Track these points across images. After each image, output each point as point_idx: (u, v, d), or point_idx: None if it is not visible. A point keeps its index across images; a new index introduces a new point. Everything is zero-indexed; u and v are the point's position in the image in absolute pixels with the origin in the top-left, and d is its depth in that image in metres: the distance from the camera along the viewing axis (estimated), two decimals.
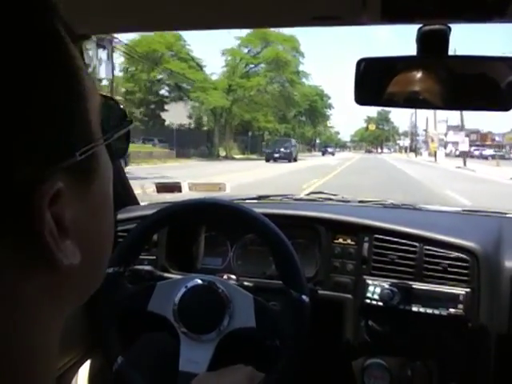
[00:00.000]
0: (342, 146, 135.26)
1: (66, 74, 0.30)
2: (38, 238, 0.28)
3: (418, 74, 0.95)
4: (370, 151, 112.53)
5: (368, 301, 1.31)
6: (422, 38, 0.84)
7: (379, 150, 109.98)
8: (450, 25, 0.83)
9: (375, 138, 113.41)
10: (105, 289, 0.88)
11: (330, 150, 66.38)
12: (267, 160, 29.99)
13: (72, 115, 0.30)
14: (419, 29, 0.84)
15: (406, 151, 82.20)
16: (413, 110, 55.32)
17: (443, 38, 0.83)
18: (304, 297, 1.00)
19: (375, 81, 0.98)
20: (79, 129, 0.30)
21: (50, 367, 0.32)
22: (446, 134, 52.45)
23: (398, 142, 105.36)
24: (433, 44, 0.84)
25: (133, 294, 1.09)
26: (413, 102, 0.99)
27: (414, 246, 1.31)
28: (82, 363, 1.39)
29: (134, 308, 1.09)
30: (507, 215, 1.65)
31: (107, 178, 0.35)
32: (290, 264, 1.02)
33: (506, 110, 0.99)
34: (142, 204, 1.73)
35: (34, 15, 0.27)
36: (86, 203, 0.32)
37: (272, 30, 31.16)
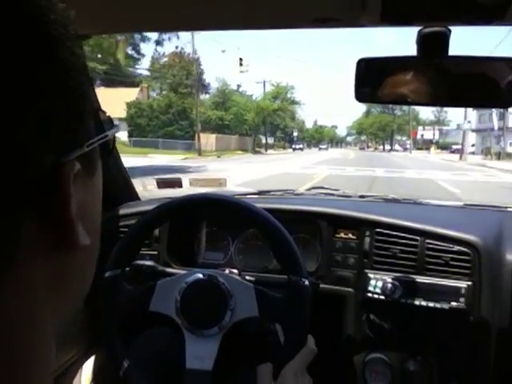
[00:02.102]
0: (340, 141, 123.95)
1: (79, 78, 0.32)
2: (63, 218, 0.30)
3: (418, 74, 0.96)
4: (363, 148, 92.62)
5: (370, 294, 1.33)
6: (421, 40, 0.84)
7: (386, 147, 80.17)
8: (450, 27, 0.83)
9: (381, 128, 76.80)
10: (104, 294, 0.88)
11: (298, 146, 64.40)
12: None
13: (81, 113, 0.33)
14: (419, 31, 0.83)
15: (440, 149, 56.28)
16: None
17: (443, 40, 0.83)
18: (304, 280, 1.01)
19: (375, 79, 0.98)
20: (86, 125, 0.34)
21: (48, 359, 0.33)
22: None
23: (421, 133, 70.17)
24: (433, 46, 0.84)
25: (133, 296, 1.09)
26: (412, 99, 0.99)
27: (416, 240, 1.31)
28: (85, 360, 1.41)
29: (136, 310, 1.10)
30: (508, 209, 1.66)
31: (101, 173, 0.38)
32: (288, 250, 1.03)
33: (506, 106, 0.99)
34: (142, 200, 1.74)
35: (43, 25, 0.29)
36: (89, 192, 0.35)
37: None
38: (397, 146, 76.70)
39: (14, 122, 0.26)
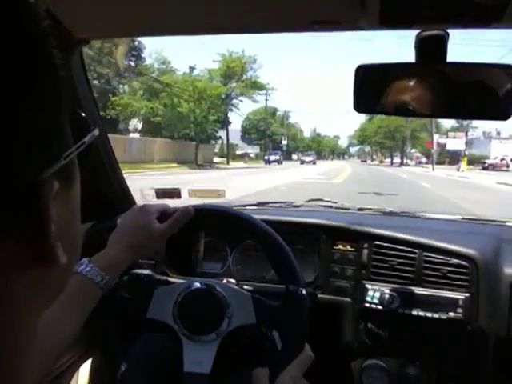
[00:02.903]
0: (342, 153, 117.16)
1: (53, 90, 0.31)
2: (42, 237, 0.29)
3: (417, 81, 0.96)
4: (364, 161, 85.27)
5: (367, 304, 1.32)
6: (420, 44, 0.84)
7: (395, 160, 65.68)
8: (448, 30, 0.84)
9: (389, 136, 60.46)
10: (102, 302, 0.88)
11: (273, 157, 46.09)
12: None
13: (58, 125, 0.32)
14: (417, 34, 0.84)
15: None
16: None
17: (441, 43, 0.84)
18: (301, 289, 1.01)
19: (374, 88, 0.99)
20: (62, 136, 0.32)
21: (28, 365, 0.33)
22: None
23: (442, 142, 50.58)
24: (431, 49, 0.85)
25: (131, 304, 1.08)
26: (412, 111, 0.99)
27: (414, 253, 1.31)
28: (82, 362, 1.39)
29: (133, 317, 1.09)
30: (506, 223, 1.66)
31: (78, 186, 0.36)
32: (285, 260, 1.03)
33: (505, 119, 0.99)
34: None
35: (26, 40, 0.28)
36: (67, 207, 0.34)
37: None
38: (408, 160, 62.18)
39: None
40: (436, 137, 51.43)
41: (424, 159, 60.65)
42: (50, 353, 0.75)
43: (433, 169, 37.83)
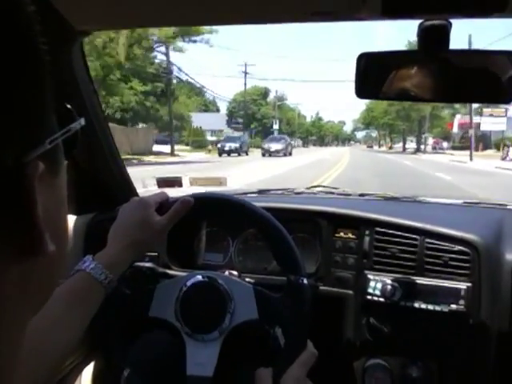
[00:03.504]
0: (347, 139, 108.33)
1: (36, 76, 0.31)
2: (29, 220, 0.29)
3: (420, 68, 0.96)
4: (371, 146, 78.09)
5: (369, 297, 1.32)
6: (422, 34, 0.84)
7: (407, 145, 54.73)
8: (451, 20, 0.83)
9: (403, 115, 47.55)
10: (103, 301, 0.87)
11: (230, 145, 31.09)
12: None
13: (42, 109, 0.31)
14: (420, 24, 0.84)
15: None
16: None
17: (444, 32, 0.83)
18: (303, 279, 1.00)
19: (376, 75, 0.98)
20: (46, 121, 0.32)
21: (16, 366, 0.33)
22: None
23: (474, 122, 30.93)
24: (434, 39, 0.84)
25: (132, 302, 1.07)
26: (414, 95, 0.99)
27: (415, 239, 1.31)
28: (85, 365, 1.40)
29: (135, 316, 1.09)
30: (508, 207, 1.65)
31: (65, 173, 0.36)
32: (286, 249, 1.02)
33: (507, 102, 0.99)
34: None
35: (9, 26, 0.28)
36: (54, 194, 0.33)
37: None
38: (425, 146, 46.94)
39: None
40: (458, 116, 44.56)
41: (445, 144, 47.65)
42: (54, 354, 0.74)
43: (470, 158, 25.44)
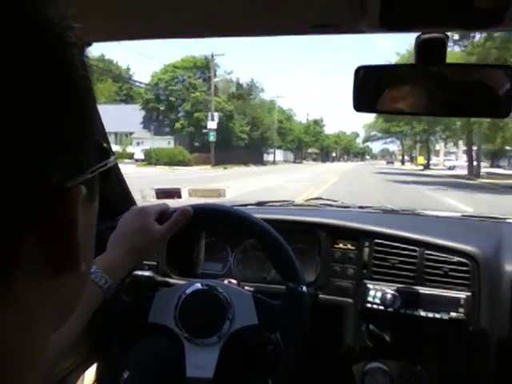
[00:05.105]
0: (361, 153, 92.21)
1: (88, 109, 0.34)
2: (70, 242, 0.30)
3: (417, 82, 0.97)
4: (391, 162, 56.42)
5: (369, 305, 1.32)
6: (419, 47, 0.85)
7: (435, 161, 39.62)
8: (448, 33, 0.84)
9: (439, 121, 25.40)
10: (102, 306, 0.88)
11: None
12: None
13: (86, 138, 0.34)
14: (417, 37, 0.85)
15: None
16: None
17: (441, 46, 0.84)
18: (302, 286, 1.02)
19: (374, 88, 1.00)
20: (89, 153, 0.35)
21: (40, 371, 0.34)
22: None
23: None
24: (431, 52, 0.85)
25: (132, 308, 1.08)
26: (411, 109, 1.00)
27: (415, 251, 1.32)
28: (86, 367, 1.39)
29: (135, 322, 1.09)
30: (506, 220, 1.66)
31: (97, 201, 0.39)
32: (285, 259, 1.04)
33: (504, 116, 1.00)
34: None
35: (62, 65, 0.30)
36: (88, 218, 0.36)
37: None
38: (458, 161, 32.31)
39: (21, 128, 0.27)
40: None
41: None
42: (51, 348, 0.75)
43: None
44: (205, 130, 33.77)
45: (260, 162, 45.68)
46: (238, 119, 40.58)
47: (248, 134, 41.80)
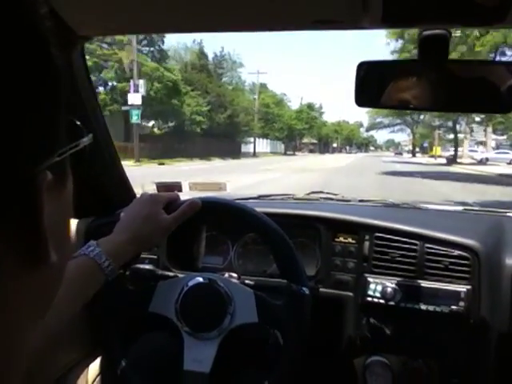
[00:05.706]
0: (365, 143, 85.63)
1: (55, 88, 0.32)
2: (35, 229, 0.29)
3: (419, 77, 0.96)
4: (399, 153, 50.28)
5: (369, 298, 1.33)
6: (422, 43, 0.84)
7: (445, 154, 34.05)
8: (450, 29, 0.84)
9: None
10: (104, 292, 0.88)
11: None
12: None
13: (56, 121, 0.32)
14: (419, 33, 0.84)
15: None
16: None
17: (443, 42, 0.84)
18: (304, 289, 1.01)
19: (376, 84, 0.99)
20: (58, 135, 0.33)
21: (22, 365, 0.33)
22: None
23: None
24: (433, 48, 0.85)
25: (133, 296, 1.09)
26: (413, 104, 1.00)
27: (415, 245, 1.32)
28: (88, 362, 1.40)
29: (136, 310, 1.10)
30: (507, 214, 1.66)
31: (71, 186, 0.36)
32: (288, 258, 1.03)
33: (506, 112, 1.00)
34: None
35: (28, 41, 0.28)
36: (59, 205, 0.33)
37: None
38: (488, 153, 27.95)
39: None
40: None
41: None
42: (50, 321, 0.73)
43: None
44: (125, 108, 22.24)
45: (235, 154, 36.12)
46: (192, 96, 29.85)
47: (209, 117, 31.20)
